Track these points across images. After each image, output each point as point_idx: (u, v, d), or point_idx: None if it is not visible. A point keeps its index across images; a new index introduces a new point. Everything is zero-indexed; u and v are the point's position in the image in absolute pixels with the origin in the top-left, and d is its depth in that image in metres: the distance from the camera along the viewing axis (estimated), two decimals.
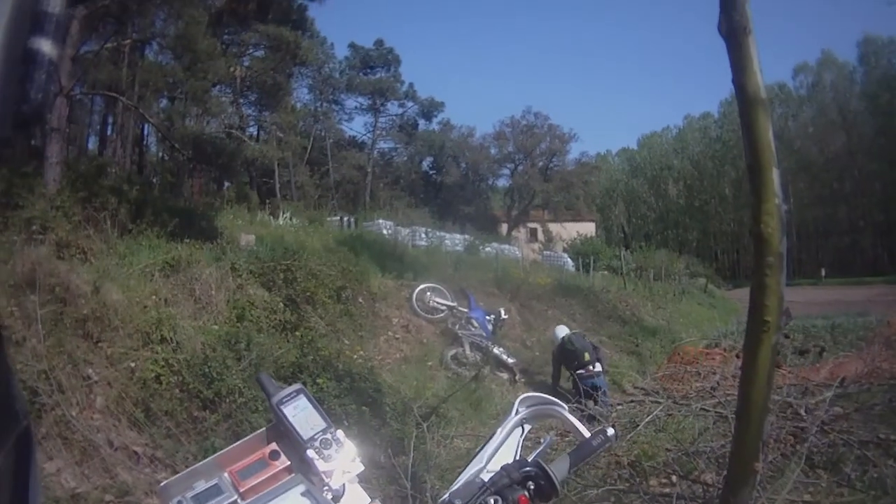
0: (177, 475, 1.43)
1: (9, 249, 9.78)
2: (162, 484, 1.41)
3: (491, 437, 1.67)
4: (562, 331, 13.84)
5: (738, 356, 6.70)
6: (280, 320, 11.66)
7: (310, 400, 1.51)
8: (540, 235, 60.25)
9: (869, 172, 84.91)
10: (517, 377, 14.24)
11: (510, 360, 14.39)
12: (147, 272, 11.30)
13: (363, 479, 1.47)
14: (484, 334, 14.55)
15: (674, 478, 5.90)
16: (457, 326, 14.56)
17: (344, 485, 1.43)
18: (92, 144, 39.23)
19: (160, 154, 42.73)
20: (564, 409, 1.72)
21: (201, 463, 1.46)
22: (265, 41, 40.00)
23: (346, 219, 33.77)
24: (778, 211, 4.03)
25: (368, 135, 58.70)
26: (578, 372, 12.64)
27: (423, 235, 30.58)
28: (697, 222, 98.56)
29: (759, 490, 4.69)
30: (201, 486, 1.39)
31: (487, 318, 15.02)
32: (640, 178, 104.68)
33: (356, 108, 57.92)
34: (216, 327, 10.71)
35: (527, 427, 1.73)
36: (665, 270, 40.54)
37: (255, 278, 12.45)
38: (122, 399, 8.38)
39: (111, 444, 7.77)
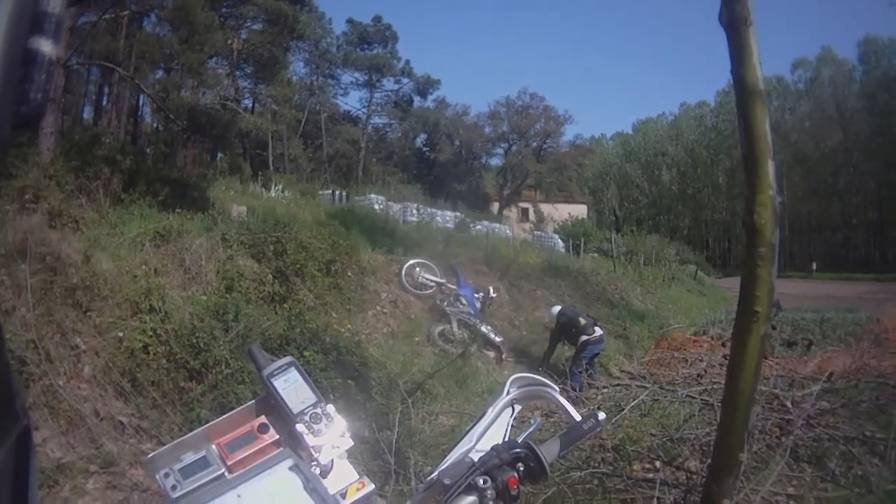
0: (164, 447, 1.44)
1: (1, 219, 9.75)
2: (149, 455, 1.41)
3: (481, 417, 1.67)
4: (556, 309, 13.95)
5: (723, 345, 6.72)
6: (269, 292, 11.70)
7: (301, 373, 1.51)
8: (531, 215, 60.45)
9: (864, 170, 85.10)
10: (504, 356, 14.25)
11: (497, 339, 14.37)
12: (138, 242, 11.33)
13: (350, 454, 1.47)
14: (472, 312, 14.61)
15: (657, 463, 5.87)
16: (445, 303, 14.58)
17: (332, 460, 1.43)
18: (87, 114, 39.30)
19: (155, 124, 42.87)
20: (556, 391, 1.73)
21: (189, 435, 1.46)
22: (263, 14, 39.99)
23: (338, 193, 33.87)
24: (772, 202, 4.02)
25: (363, 110, 58.58)
26: (582, 339, 12.85)
27: (415, 211, 30.75)
28: (690, 209, 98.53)
29: (742, 480, 4.67)
30: (189, 458, 1.40)
31: (476, 295, 15.08)
32: (633, 162, 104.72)
33: (352, 83, 57.89)
34: (205, 298, 10.73)
35: (517, 408, 1.73)
36: (655, 256, 40.66)
37: (246, 249, 12.49)
38: (110, 369, 8.39)
39: (97, 413, 7.78)
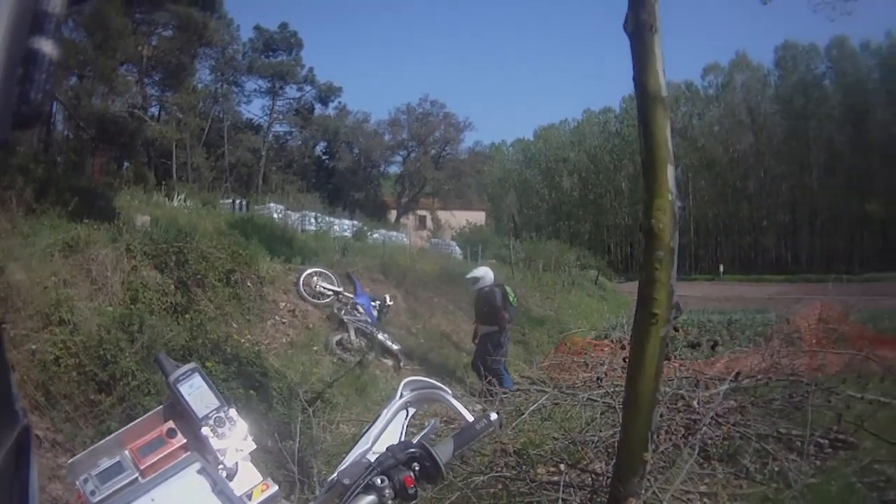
0: (82, 452, 1.47)
1: None
2: (69, 461, 1.45)
3: (376, 419, 1.72)
4: (485, 270, 13.99)
5: (623, 348, 6.81)
6: (171, 303, 11.52)
7: (204, 379, 1.54)
8: (429, 223, 60.30)
9: (776, 173, 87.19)
10: (402, 363, 14.13)
11: (395, 347, 14.27)
12: (48, 252, 11.11)
13: (253, 461, 1.52)
14: (369, 320, 14.44)
15: (562, 466, 5.88)
16: (342, 312, 14.39)
17: (237, 462, 1.48)
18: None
19: (66, 133, 41.95)
20: (448, 394, 1.78)
21: (104, 441, 1.49)
22: (174, 20, 39.51)
23: (238, 202, 33.58)
24: (671, 207, 4.11)
25: (265, 118, 58.26)
26: (506, 321, 12.82)
27: (313, 220, 30.59)
28: (591, 215, 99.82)
29: (649, 479, 4.76)
30: (105, 463, 1.43)
31: (373, 304, 14.89)
32: (534, 169, 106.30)
33: (255, 90, 57.47)
34: (111, 309, 10.55)
35: (411, 410, 1.78)
36: (555, 261, 40.44)
37: (149, 260, 12.29)
38: (24, 382, 8.22)
39: None
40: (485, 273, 13.62)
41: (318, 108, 60.36)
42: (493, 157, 79.01)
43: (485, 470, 5.91)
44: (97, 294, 10.87)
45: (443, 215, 60.53)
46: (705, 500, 5.39)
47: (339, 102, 61.17)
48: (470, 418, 1.71)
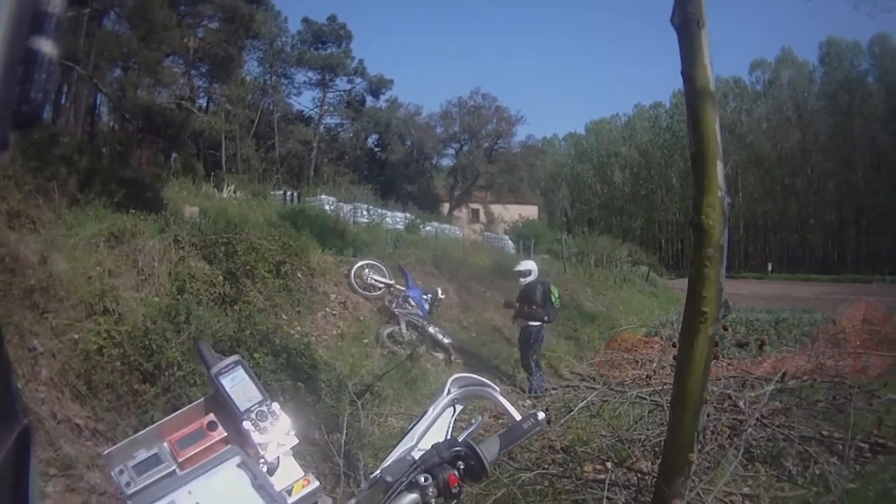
0: (119, 444, 1.47)
1: None
2: (105, 452, 1.45)
3: (423, 416, 1.71)
4: (532, 264, 14.09)
5: (674, 345, 6.77)
6: (219, 294, 11.55)
7: (247, 371, 1.54)
8: (482, 216, 60.30)
9: (823, 171, 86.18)
10: (453, 357, 14.12)
11: (446, 340, 14.27)
12: (93, 243, 11.20)
13: (297, 454, 1.50)
14: (420, 313, 14.48)
15: (608, 464, 5.84)
16: (394, 304, 14.43)
17: (278, 457, 1.47)
18: (46, 113, 38.59)
19: (111, 124, 42.24)
20: (496, 391, 1.76)
21: (142, 432, 1.49)
22: (220, 13, 39.69)
23: (289, 193, 33.67)
24: (720, 203, 4.04)
25: (316, 110, 58.30)
26: (544, 321, 12.89)
27: (365, 212, 30.49)
28: (642, 211, 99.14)
29: (694, 480, 4.69)
30: (142, 455, 1.42)
31: (424, 297, 14.93)
32: (585, 163, 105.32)
33: (305, 82, 57.61)
34: (157, 299, 10.65)
35: (458, 407, 1.76)
36: (607, 257, 40.05)
37: (197, 251, 12.35)
38: (66, 371, 8.29)
39: (55, 416, 7.70)
40: (532, 267, 13.66)
41: (369, 100, 60.42)
42: (545, 151, 78.24)
43: (531, 467, 5.89)
44: (143, 285, 10.96)
45: (495, 209, 60.68)
46: (747, 502, 5.33)
47: (391, 95, 61.34)
48: (517, 417, 1.69)
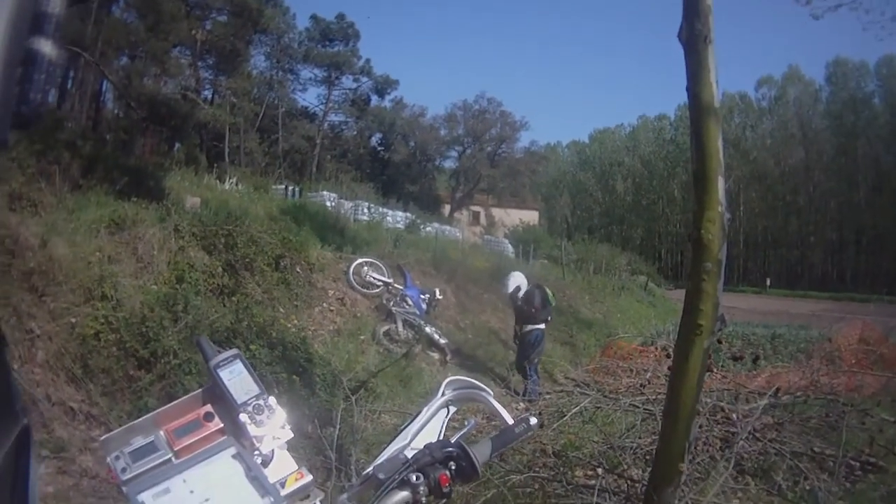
0: (116, 430, 1.47)
1: None
2: (102, 438, 1.45)
3: (416, 416, 1.73)
4: (520, 276, 14.06)
5: (669, 356, 6.78)
6: (218, 284, 11.60)
7: (245, 365, 1.55)
8: (482, 219, 60.61)
9: (825, 190, 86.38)
10: (448, 358, 14.13)
11: (442, 341, 14.28)
12: (93, 228, 11.22)
13: (290, 447, 1.51)
14: (417, 313, 14.50)
15: (599, 470, 5.85)
16: (391, 303, 14.45)
17: (273, 450, 1.48)
18: (51, 98, 38.49)
19: (116, 111, 42.29)
20: (489, 395, 1.78)
21: (139, 419, 1.50)
22: (229, 6, 39.73)
23: (291, 188, 33.56)
24: (720, 218, 4.06)
25: (320, 106, 58.19)
26: (541, 327, 12.96)
27: (366, 210, 30.58)
28: (643, 220, 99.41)
29: (683, 490, 4.70)
30: (139, 441, 1.43)
31: (422, 296, 14.95)
32: (588, 171, 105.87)
33: (311, 79, 57.32)
34: (156, 287, 10.66)
35: (452, 409, 1.78)
36: (606, 265, 40.21)
37: (197, 241, 12.34)
38: (62, 354, 8.33)
39: (49, 398, 7.74)
40: (521, 281, 13.68)
41: (374, 99, 60.36)
42: (548, 158, 78.60)
43: (523, 469, 5.91)
44: (142, 272, 10.98)
45: (496, 212, 60.99)
46: None
47: (396, 95, 61.13)
48: (510, 421, 1.71)
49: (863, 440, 6.39)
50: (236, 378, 1.53)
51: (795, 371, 9.59)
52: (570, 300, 23.82)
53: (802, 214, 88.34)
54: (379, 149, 62.40)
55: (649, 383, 7.81)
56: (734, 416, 6.61)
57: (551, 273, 30.37)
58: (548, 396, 9.24)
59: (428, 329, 14.16)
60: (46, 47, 0.71)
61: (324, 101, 58.08)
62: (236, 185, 27.79)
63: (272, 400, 1.51)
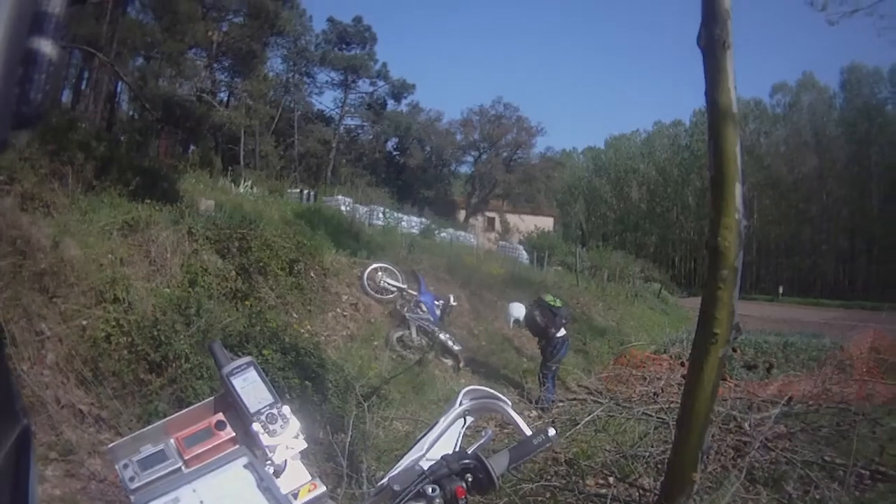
0: (125, 438, 1.46)
1: None
2: (110, 445, 1.44)
3: (433, 426, 1.70)
4: (518, 307, 13.97)
5: (682, 364, 6.75)
6: (231, 288, 11.53)
7: (259, 373, 1.53)
8: (497, 225, 60.31)
9: (838, 197, 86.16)
10: (462, 365, 14.05)
11: (456, 347, 14.15)
12: (106, 230, 11.14)
13: (303, 456, 1.50)
14: (431, 319, 14.39)
15: (611, 479, 5.88)
16: (405, 309, 14.37)
17: (286, 460, 1.46)
18: (65, 98, 38.79)
19: (131, 112, 42.54)
20: (508, 405, 1.76)
21: (149, 427, 1.48)
22: (245, 8, 39.89)
23: (306, 192, 33.73)
24: (737, 225, 4.05)
25: (336, 110, 58.36)
26: (561, 333, 12.87)
27: (381, 215, 30.58)
28: (657, 228, 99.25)
29: (695, 499, 4.69)
30: (148, 450, 1.42)
31: (436, 303, 14.88)
32: (603, 178, 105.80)
33: (327, 82, 57.64)
34: (168, 291, 10.58)
35: (469, 419, 1.76)
36: (620, 272, 40.17)
37: (211, 244, 12.30)
38: (72, 357, 8.30)
39: (58, 401, 7.72)
40: (517, 310, 13.80)
41: (390, 103, 60.63)
42: (563, 164, 78.25)
43: (534, 478, 5.91)
44: (155, 275, 10.92)
45: (511, 218, 60.58)
46: None
47: (412, 100, 61.40)
48: (528, 432, 1.70)
49: (873, 449, 6.40)
50: (249, 386, 1.52)
51: (807, 380, 9.60)
52: (584, 307, 23.69)
53: (815, 222, 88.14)
54: (394, 153, 62.64)
55: (662, 392, 7.82)
56: (746, 425, 6.60)
57: (565, 280, 30.29)
58: (561, 404, 9.25)
59: (442, 336, 14.07)
60: (46, 47, 0.70)
61: (340, 105, 58.36)
62: (251, 188, 27.83)
63: (286, 409, 1.50)
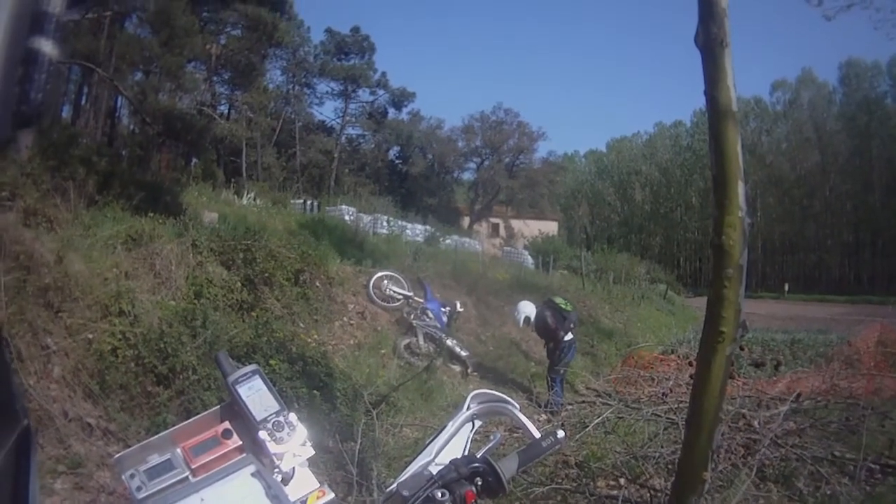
0: (131, 448, 1.46)
1: None
2: (116, 456, 1.44)
3: (441, 431, 1.71)
4: (529, 307, 13.88)
5: (690, 364, 6.75)
6: (237, 300, 11.50)
7: (265, 381, 1.53)
8: (501, 231, 60.39)
9: (841, 193, 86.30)
10: (469, 370, 14.07)
11: (463, 353, 14.18)
12: (110, 244, 11.11)
13: (311, 462, 1.49)
14: (438, 326, 14.40)
15: (622, 480, 5.89)
16: (412, 316, 14.36)
17: (294, 468, 1.46)
18: (66, 113, 38.88)
19: (131, 127, 42.60)
20: (516, 409, 1.76)
21: (155, 437, 1.48)
22: (243, 20, 39.96)
23: (309, 202, 33.87)
24: (741, 224, 4.03)
25: (337, 120, 58.71)
26: (569, 337, 12.79)
27: (385, 223, 30.68)
28: (662, 228, 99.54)
29: (707, 499, 4.67)
30: (154, 459, 1.42)
31: (443, 309, 14.86)
32: (606, 181, 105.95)
33: (327, 92, 57.97)
34: (174, 303, 10.56)
35: (477, 423, 1.76)
36: (625, 274, 40.14)
37: (216, 256, 12.25)
38: (79, 370, 8.29)
39: (66, 414, 7.70)
40: (529, 310, 13.61)
41: (391, 112, 60.79)
42: (566, 168, 79.14)
43: (545, 481, 5.92)
44: (160, 288, 10.89)
45: (516, 224, 60.78)
46: None
47: (413, 108, 61.69)
48: (537, 434, 1.69)
49: (882, 443, 6.44)
50: (255, 394, 1.51)
51: (815, 376, 9.60)
52: (591, 310, 23.62)
53: (819, 218, 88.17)
54: (397, 162, 62.90)
55: (671, 392, 7.80)
56: (756, 423, 6.60)
57: (571, 283, 30.23)
58: (570, 407, 9.25)
59: (449, 342, 14.09)
60: (46, 47, 0.71)
61: (341, 115, 58.80)
62: (254, 199, 27.92)
63: (293, 416, 1.50)
